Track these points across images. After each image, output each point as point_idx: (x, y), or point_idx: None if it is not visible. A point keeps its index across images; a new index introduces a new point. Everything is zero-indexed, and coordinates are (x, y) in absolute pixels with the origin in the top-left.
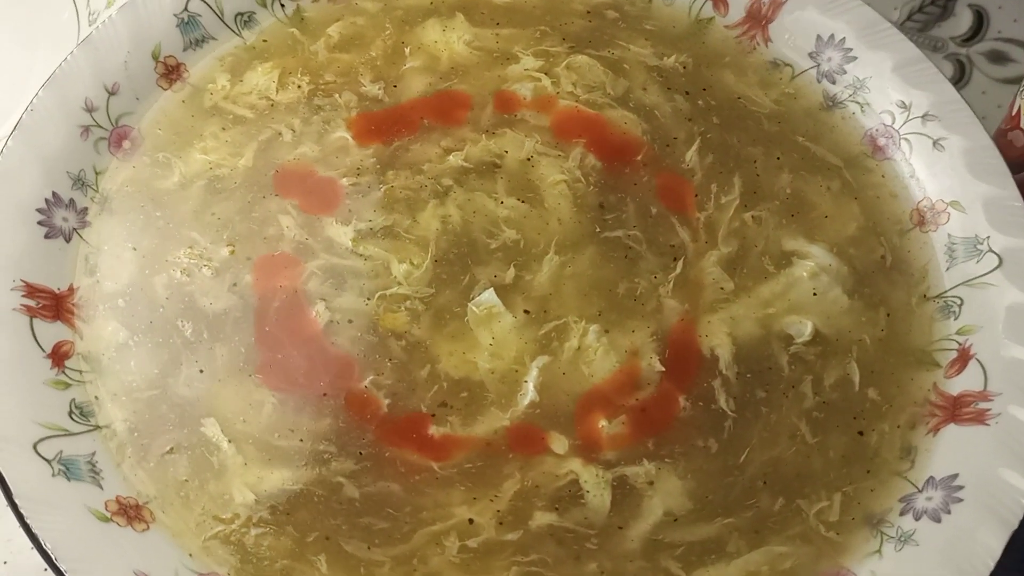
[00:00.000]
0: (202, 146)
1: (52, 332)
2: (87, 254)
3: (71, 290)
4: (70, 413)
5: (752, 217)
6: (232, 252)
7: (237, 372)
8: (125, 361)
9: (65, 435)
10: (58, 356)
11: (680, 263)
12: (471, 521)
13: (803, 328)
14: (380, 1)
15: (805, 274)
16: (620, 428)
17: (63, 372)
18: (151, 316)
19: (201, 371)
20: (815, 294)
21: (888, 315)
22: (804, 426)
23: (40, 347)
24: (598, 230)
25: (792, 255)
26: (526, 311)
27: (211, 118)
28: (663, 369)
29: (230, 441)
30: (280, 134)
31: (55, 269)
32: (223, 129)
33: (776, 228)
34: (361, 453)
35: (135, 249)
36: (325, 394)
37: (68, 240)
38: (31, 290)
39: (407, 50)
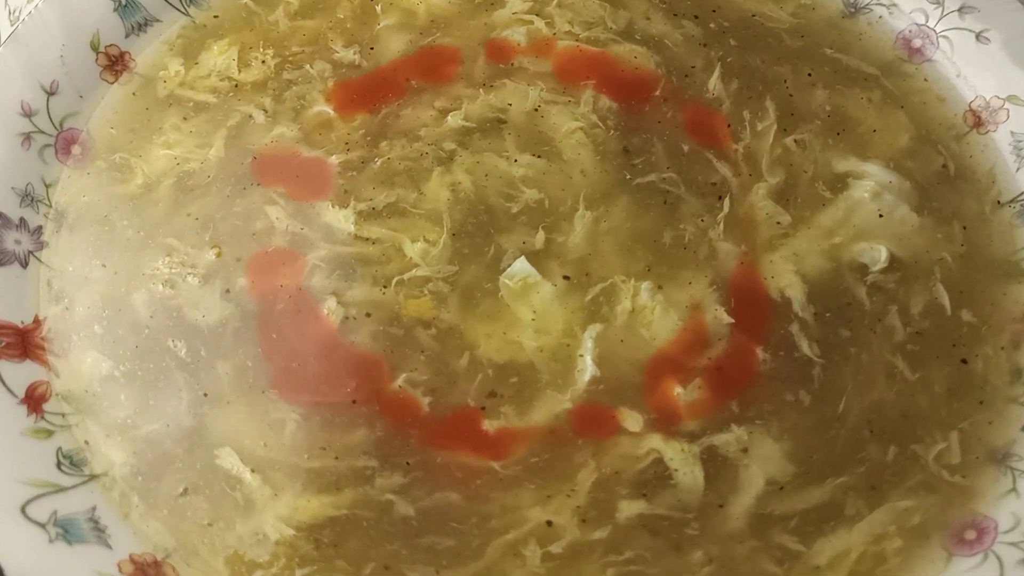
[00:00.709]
0: (164, 140)
1: (23, 373)
2: (49, 279)
3: (37, 322)
4: (58, 464)
5: (795, 141)
6: (218, 255)
7: (248, 390)
8: (114, 395)
9: (57, 491)
10: (34, 400)
11: (726, 201)
12: (549, 523)
13: (876, 254)
14: None
15: (866, 195)
16: (697, 393)
17: (43, 418)
18: (136, 340)
19: (205, 395)
20: (881, 215)
21: (964, 228)
22: (900, 362)
23: (11, 392)
24: (628, 177)
25: (846, 177)
26: (565, 277)
27: (169, 108)
28: (732, 321)
29: (253, 471)
30: (251, 117)
31: (15, 300)
32: (184, 119)
33: (823, 150)
34: (408, 463)
35: (105, 266)
36: (354, 401)
37: (25, 265)
38: None
39: (378, 7)
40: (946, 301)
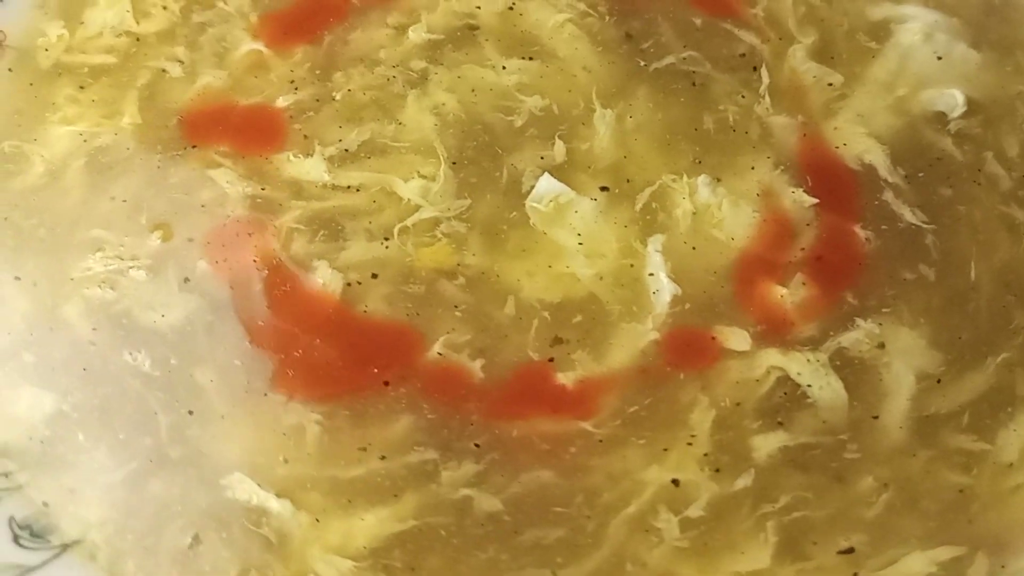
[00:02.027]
0: (61, 117)
1: None
2: None
3: None
4: (15, 538)
5: None
6: (163, 238)
7: (244, 397)
8: (68, 437)
9: (23, 574)
10: None
11: (763, 71)
12: (675, 482)
13: (951, 99)
14: None
15: (917, 38)
16: (803, 291)
17: None
18: (81, 361)
19: (190, 412)
20: (939, 58)
21: None
22: (1017, 211)
23: None
24: (642, 64)
25: (887, 23)
26: (603, 188)
27: (58, 79)
28: (815, 201)
29: (279, 496)
30: (164, 71)
31: None
32: (81, 88)
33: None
34: (476, 445)
35: (18, 278)
36: (387, 383)
37: None
38: None
39: None
40: None
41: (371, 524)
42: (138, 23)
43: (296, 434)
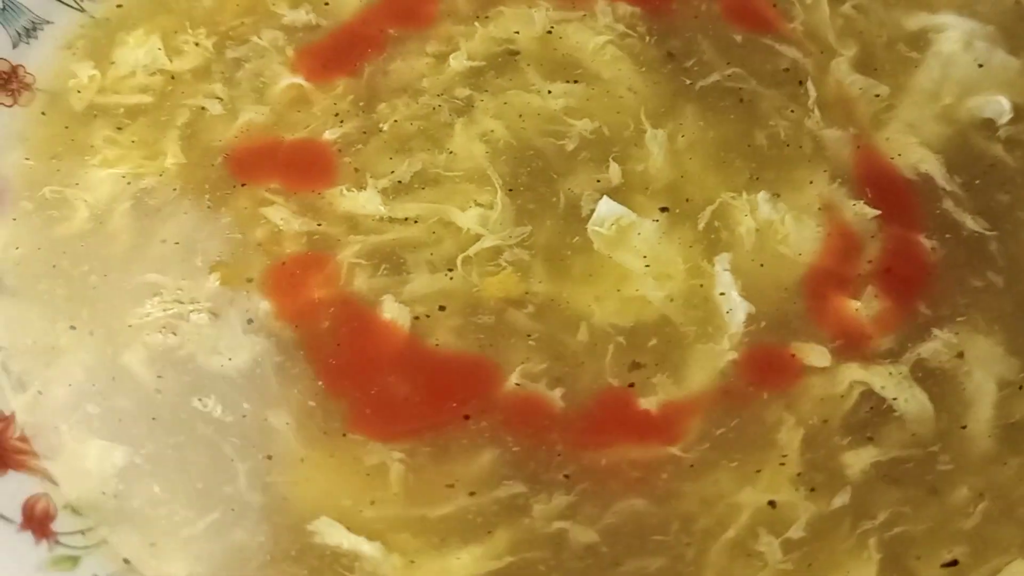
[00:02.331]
0: (100, 159)
1: (9, 489)
2: (3, 362)
3: (5, 419)
4: None
5: (853, 7)
6: (222, 280)
7: (322, 438)
8: (143, 489)
9: None
10: (37, 521)
11: (809, 85)
12: (772, 504)
13: (998, 106)
14: None
15: (957, 46)
16: (876, 303)
17: (57, 542)
18: (149, 410)
19: (269, 457)
20: (980, 65)
21: None
22: None
23: (5, 519)
24: (688, 82)
25: (925, 33)
26: (663, 208)
27: (94, 121)
28: (877, 212)
29: (369, 539)
30: (204, 109)
31: None
32: (119, 129)
33: (887, 10)
34: (565, 476)
35: (74, 328)
36: (467, 417)
37: None
38: None
39: None
40: None
41: (467, 563)
42: (171, 61)
43: (379, 474)
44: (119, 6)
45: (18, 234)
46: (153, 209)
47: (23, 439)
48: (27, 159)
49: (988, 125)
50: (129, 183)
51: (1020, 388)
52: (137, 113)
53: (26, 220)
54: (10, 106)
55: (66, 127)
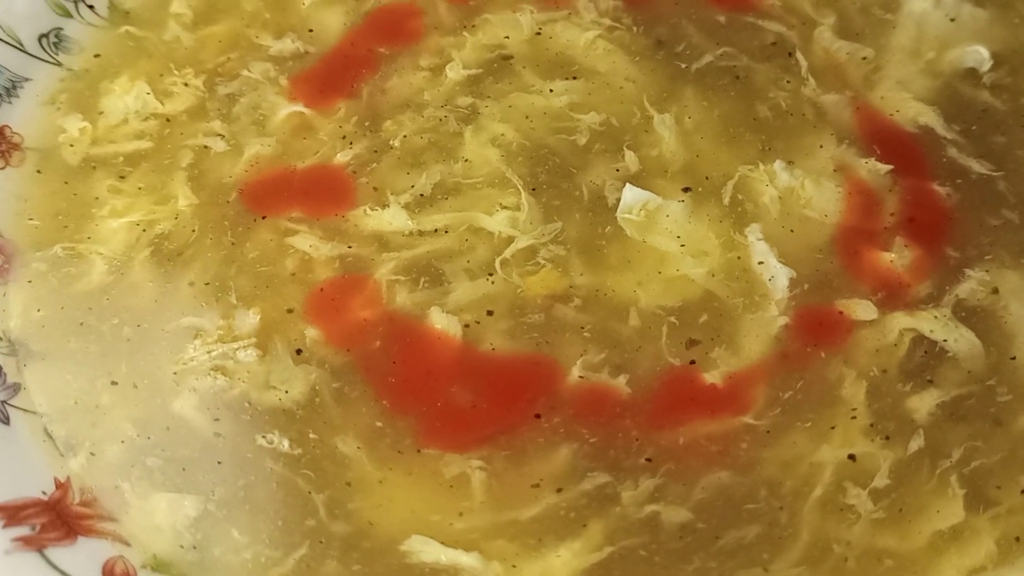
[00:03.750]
0: (109, 210)
1: (82, 557)
2: (47, 426)
3: (62, 487)
4: None
5: None
6: (262, 314)
7: (397, 458)
8: (222, 536)
9: None
10: None
11: (799, 55)
12: (852, 457)
13: (978, 55)
14: None
15: (927, 4)
16: (908, 252)
17: None
18: (211, 455)
19: (348, 484)
20: (952, 20)
21: None
22: None
23: None
24: (683, 66)
25: None
26: (685, 189)
27: (93, 173)
28: (889, 167)
29: (466, 550)
30: (207, 147)
31: (18, 470)
32: (121, 178)
33: None
34: (648, 460)
35: (115, 383)
36: (538, 416)
37: (7, 422)
38: (10, 514)
39: None
40: None
41: (568, 559)
42: (163, 104)
43: (462, 484)
44: (97, 56)
45: (37, 296)
46: (174, 253)
47: (85, 503)
48: (31, 219)
49: (972, 74)
50: (144, 230)
51: None
52: (138, 159)
53: (42, 281)
54: (2, 168)
55: (65, 182)
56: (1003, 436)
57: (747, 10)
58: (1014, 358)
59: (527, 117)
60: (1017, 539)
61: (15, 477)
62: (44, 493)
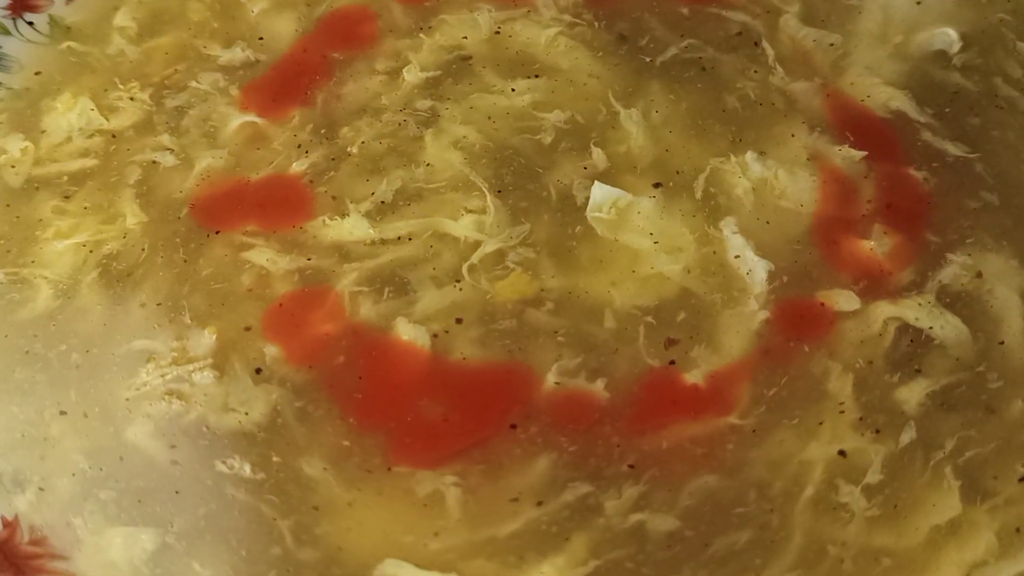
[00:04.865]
0: (54, 232)
1: None
2: None
3: (10, 526)
4: None
5: None
6: (218, 333)
7: (366, 477)
8: (182, 570)
9: None
10: None
11: (765, 44)
12: (842, 453)
13: (947, 36)
14: None
15: None
16: (887, 239)
17: None
18: (168, 484)
19: (315, 508)
20: (918, 3)
21: None
22: None
23: None
24: (647, 60)
25: None
26: (656, 184)
27: (36, 194)
28: (864, 153)
29: (443, 572)
30: (155, 162)
31: None
32: (66, 198)
33: None
34: (631, 466)
35: (64, 412)
36: (513, 425)
37: None
38: None
39: None
40: None
41: (552, 575)
42: (108, 120)
43: (436, 503)
44: (37, 73)
45: None
46: (123, 274)
47: (35, 542)
48: None
49: (941, 56)
50: (91, 251)
51: None
52: (83, 178)
53: None
54: None
55: (7, 205)
56: (996, 424)
57: (710, 1)
58: (1002, 343)
59: (489, 118)
60: (1017, 530)
61: None
62: None
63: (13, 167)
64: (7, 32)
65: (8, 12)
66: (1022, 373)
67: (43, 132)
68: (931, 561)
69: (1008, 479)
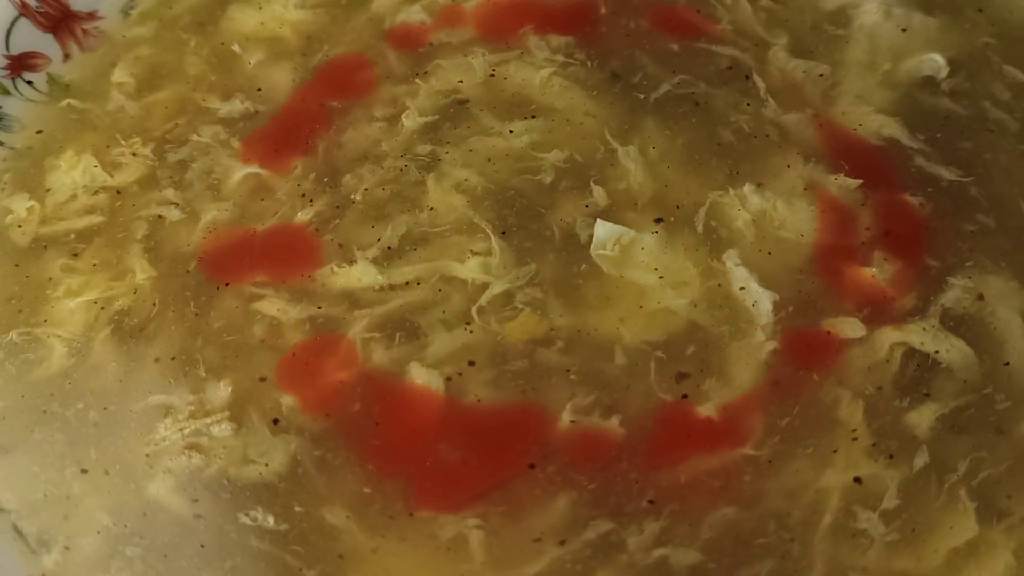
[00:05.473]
0: (64, 290)
1: None
2: (15, 523)
3: None
4: None
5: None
6: (233, 385)
7: (390, 523)
8: None
9: None
10: None
11: (756, 77)
12: (858, 480)
13: (934, 63)
14: (151, 21)
15: (878, 17)
16: (888, 265)
17: None
18: (193, 539)
19: (340, 556)
20: (904, 30)
21: (980, 10)
22: None
23: None
24: (641, 97)
25: (844, 10)
26: (657, 220)
27: (44, 253)
28: (859, 181)
29: None
30: (161, 217)
31: None
32: (74, 256)
33: None
34: (651, 501)
35: (85, 471)
36: (532, 465)
37: None
38: None
39: (236, 48)
40: (1022, 75)
41: None
42: (112, 176)
43: (459, 546)
44: (39, 132)
45: None
46: (136, 329)
47: None
48: None
49: (930, 82)
50: (103, 308)
51: None
52: (90, 235)
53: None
54: None
55: (16, 265)
56: (1007, 444)
57: (699, 36)
58: (1008, 364)
59: (489, 160)
60: None
61: None
62: None
63: (20, 227)
64: (7, 92)
65: (7, 72)
66: None
67: (48, 191)
68: None
69: (1022, 498)
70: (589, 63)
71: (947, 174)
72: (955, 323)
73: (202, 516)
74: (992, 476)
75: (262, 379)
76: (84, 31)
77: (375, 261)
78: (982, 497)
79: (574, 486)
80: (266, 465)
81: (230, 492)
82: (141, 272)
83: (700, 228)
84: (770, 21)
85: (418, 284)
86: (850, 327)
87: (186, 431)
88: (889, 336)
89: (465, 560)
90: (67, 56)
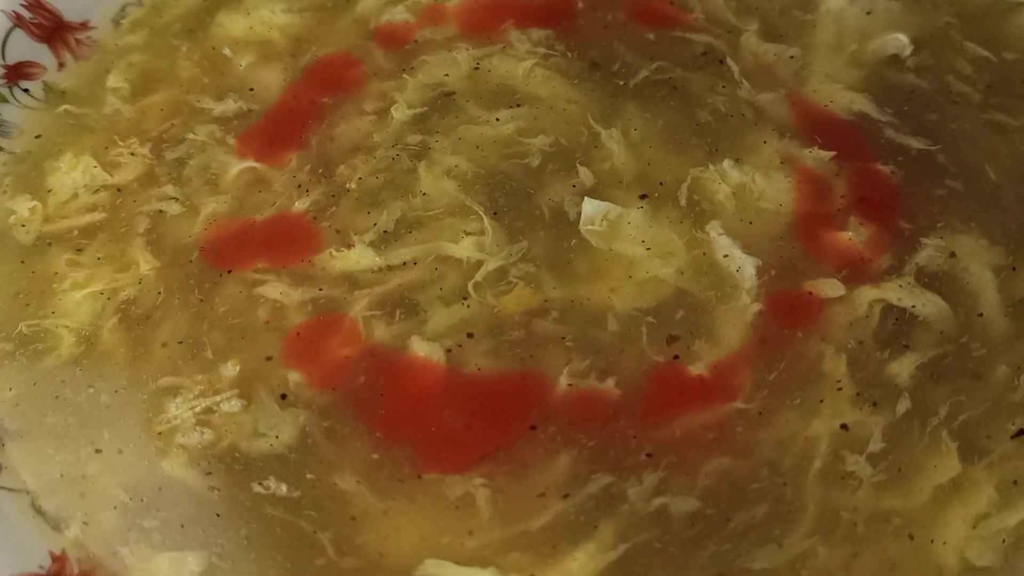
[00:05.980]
0: (70, 283)
1: None
2: (34, 502)
3: (59, 560)
4: None
5: None
6: (240, 365)
7: (399, 486)
8: None
9: None
10: None
11: (729, 61)
12: (844, 427)
13: (898, 42)
14: (142, 29)
15: (843, 2)
16: (864, 229)
17: None
18: (208, 509)
19: (353, 518)
20: (868, 13)
21: None
22: (997, 115)
23: None
24: (621, 84)
25: None
26: (642, 196)
27: (49, 250)
28: (833, 153)
29: (484, 567)
30: (162, 211)
31: (11, 548)
32: (78, 251)
33: None
34: (648, 455)
35: (100, 451)
36: (533, 427)
37: None
38: None
39: (226, 51)
40: (984, 51)
41: (584, 562)
42: (111, 175)
43: (467, 504)
44: (38, 137)
45: (6, 377)
46: (142, 317)
47: (85, 572)
48: None
49: (895, 60)
50: (109, 298)
51: (1013, 269)
52: (93, 231)
53: (10, 360)
54: None
55: (22, 262)
56: (984, 388)
57: (673, 25)
58: (981, 315)
59: (478, 147)
60: (1015, 483)
61: (10, 555)
62: (42, 568)
63: (23, 226)
64: (4, 100)
65: (4, 81)
66: (1003, 341)
67: (49, 191)
68: (938, 517)
69: (1000, 438)
70: (569, 54)
71: (915, 144)
72: (929, 280)
73: (217, 488)
74: (972, 418)
75: (268, 358)
76: (77, 40)
77: (372, 244)
78: (963, 438)
79: (574, 444)
80: (276, 437)
81: (243, 464)
82: (145, 263)
83: (683, 202)
84: (740, 9)
85: (415, 264)
86: (830, 287)
87: (196, 409)
88: (868, 294)
89: (473, 517)
90: (61, 65)
